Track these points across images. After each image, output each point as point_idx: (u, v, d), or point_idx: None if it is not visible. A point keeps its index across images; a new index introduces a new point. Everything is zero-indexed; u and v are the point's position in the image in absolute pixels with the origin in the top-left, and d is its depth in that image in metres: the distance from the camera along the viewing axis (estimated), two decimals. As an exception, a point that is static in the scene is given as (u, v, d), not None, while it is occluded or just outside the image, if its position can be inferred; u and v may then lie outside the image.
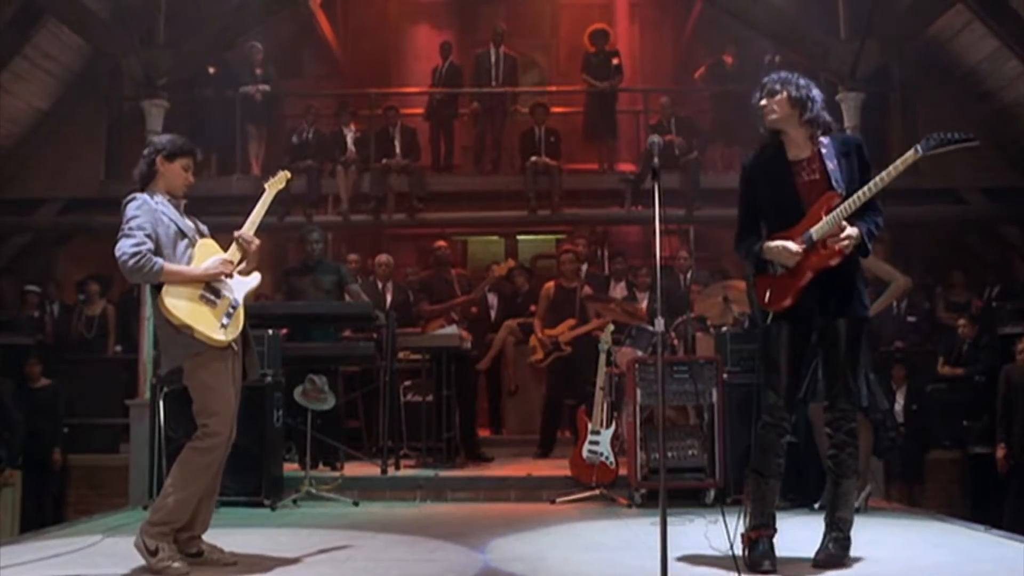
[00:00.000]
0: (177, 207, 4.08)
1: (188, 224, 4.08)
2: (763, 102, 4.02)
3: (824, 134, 3.95)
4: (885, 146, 10.58)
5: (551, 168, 10.18)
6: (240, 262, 4.10)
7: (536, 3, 13.03)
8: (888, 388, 7.82)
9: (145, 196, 3.98)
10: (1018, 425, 7.92)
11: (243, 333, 4.08)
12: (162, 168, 4.05)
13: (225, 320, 3.92)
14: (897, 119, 10.63)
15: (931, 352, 9.31)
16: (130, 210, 3.92)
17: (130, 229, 3.85)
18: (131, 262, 3.78)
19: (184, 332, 3.83)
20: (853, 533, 3.91)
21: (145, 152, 4.11)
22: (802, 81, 4.04)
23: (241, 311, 4.02)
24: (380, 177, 10.19)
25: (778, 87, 4.02)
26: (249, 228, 4.16)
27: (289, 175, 4.50)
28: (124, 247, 3.81)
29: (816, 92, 4.01)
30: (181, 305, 3.84)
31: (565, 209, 10.27)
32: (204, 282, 3.93)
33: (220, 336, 3.87)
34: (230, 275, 4.02)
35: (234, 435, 4.02)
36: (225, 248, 4.10)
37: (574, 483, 6.32)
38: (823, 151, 3.91)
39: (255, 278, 4.18)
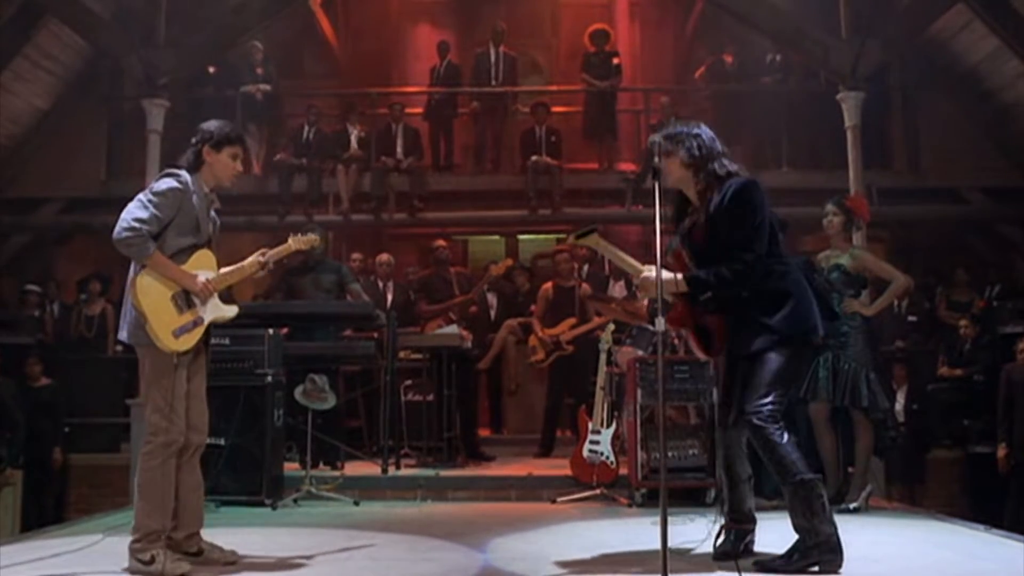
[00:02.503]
0: (209, 203, 4.04)
1: (207, 226, 4.02)
2: (657, 160, 3.92)
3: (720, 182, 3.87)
4: (886, 145, 10.61)
5: (552, 167, 10.19)
6: (228, 281, 4.08)
7: (536, 3, 13.01)
8: (889, 387, 7.77)
9: (189, 181, 3.92)
10: (1019, 424, 7.92)
11: (206, 346, 4.05)
12: (209, 158, 4.01)
13: (179, 331, 3.85)
14: (897, 118, 10.63)
15: (932, 351, 9.32)
16: (163, 185, 3.87)
17: (148, 202, 3.81)
18: (127, 234, 3.73)
19: (138, 316, 3.80)
20: (853, 532, 3.91)
21: (193, 140, 4.06)
22: (695, 132, 3.95)
23: (201, 330, 3.94)
24: (381, 177, 10.20)
25: (671, 147, 3.93)
26: (272, 259, 4.19)
27: (317, 240, 4.57)
28: (130, 215, 3.76)
29: (708, 144, 3.91)
30: (149, 295, 3.80)
31: (566, 208, 10.29)
32: (183, 289, 3.89)
33: (168, 342, 3.80)
34: (205, 298, 3.95)
35: (195, 436, 3.97)
36: (231, 260, 4.09)
37: (575, 483, 6.32)
38: (709, 209, 3.86)
39: (231, 310, 4.11)
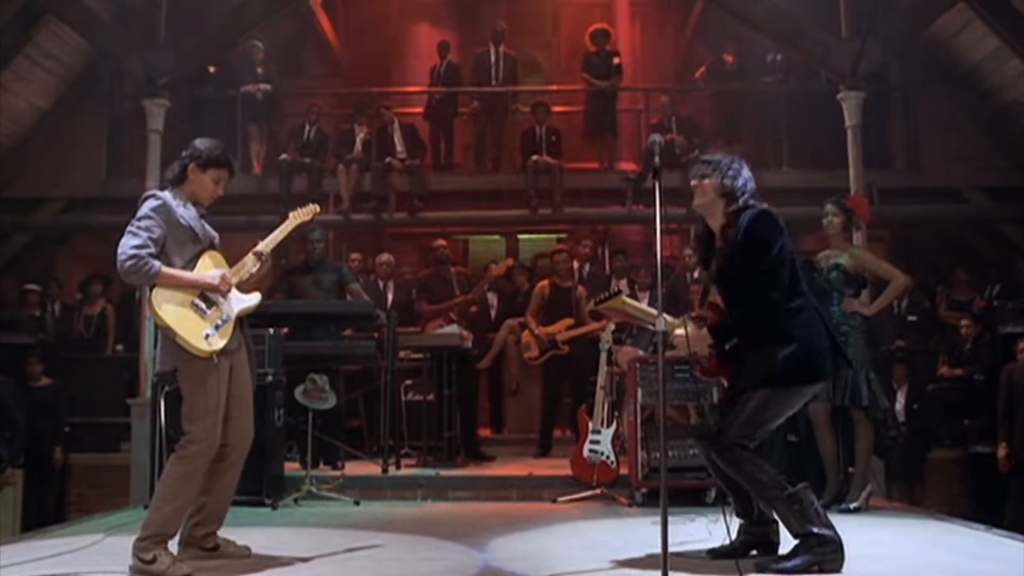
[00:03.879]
0: (196, 210, 4.04)
1: (207, 230, 4.04)
2: (693, 182, 3.94)
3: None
4: (886, 145, 10.61)
5: (552, 167, 10.19)
6: (247, 278, 4.08)
7: (537, 2, 13.02)
8: (889, 387, 7.81)
9: (167, 197, 3.93)
10: (1019, 424, 7.92)
11: (246, 346, 4.08)
12: (192, 176, 4.01)
13: (210, 331, 3.87)
14: (898, 118, 10.63)
15: (932, 351, 9.31)
16: (145, 208, 3.88)
17: (137, 228, 3.82)
18: (129, 263, 3.75)
19: (168, 335, 3.81)
20: (853, 532, 3.92)
21: (183, 153, 4.06)
22: (735, 164, 3.92)
23: (232, 325, 3.97)
24: (381, 176, 10.20)
25: (708, 171, 3.91)
26: (265, 246, 4.16)
27: (318, 209, 4.47)
28: (125, 246, 3.78)
29: (744, 180, 3.89)
30: (169, 308, 3.82)
31: (566, 208, 10.29)
32: (199, 291, 3.91)
33: (202, 345, 3.83)
34: (226, 291, 3.98)
35: (240, 441, 4.04)
36: (231, 260, 4.08)
37: (575, 482, 6.32)
38: (730, 243, 3.84)
39: (254, 298, 4.14)
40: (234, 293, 4.04)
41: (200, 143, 4.09)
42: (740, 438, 3.74)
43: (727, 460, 3.76)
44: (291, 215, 4.37)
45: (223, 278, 3.96)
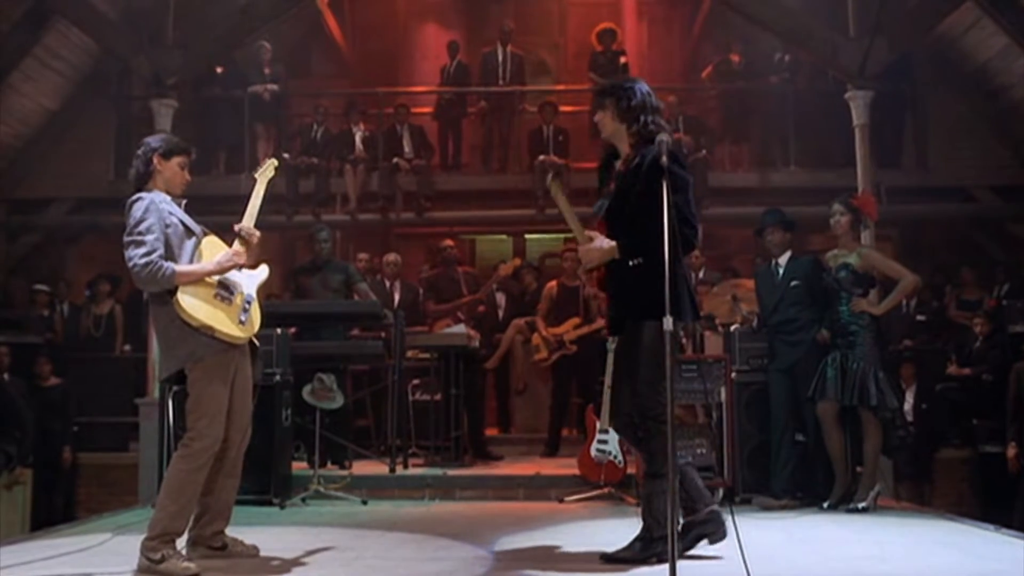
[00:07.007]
0: (179, 205, 4.04)
1: (194, 223, 4.05)
2: (596, 116, 3.97)
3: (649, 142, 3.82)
4: (896, 144, 10.56)
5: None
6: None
7: (544, 2, 13.03)
8: (897, 387, 7.79)
9: (151, 196, 3.91)
10: (1029, 424, 7.89)
11: (249, 341, 4.07)
12: (159, 167, 3.98)
13: (243, 316, 3.92)
14: (906, 117, 10.58)
15: (941, 351, 9.28)
16: (137, 212, 3.83)
17: (139, 234, 3.78)
18: (144, 272, 3.73)
19: (203, 333, 3.79)
20: (862, 532, 3.91)
21: (139, 152, 4.03)
22: (627, 85, 3.92)
23: (256, 306, 4.02)
24: (388, 176, 10.21)
25: (604, 101, 3.92)
26: (247, 221, 4.14)
27: (276, 163, 4.44)
28: (135, 257, 3.75)
29: (641, 97, 3.87)
30: (199, 306, 3.81)
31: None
32: (218, 281, 3.91)
33: (239, 332, 3.88)
34: (242, 263, 4.00)
35: (242, 439, 4.06)
36: (228, 244, 4.09)
37: (582, 482, 6.30)
38: (633, 164, 3.86)
39: (263, 271, 4.16)
40: (244, 272, 4.05)
41: (151, 139, 4.11)
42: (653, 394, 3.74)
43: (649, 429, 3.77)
44: (256, 177, 4.31)
45: (235, 253, 3.97)
